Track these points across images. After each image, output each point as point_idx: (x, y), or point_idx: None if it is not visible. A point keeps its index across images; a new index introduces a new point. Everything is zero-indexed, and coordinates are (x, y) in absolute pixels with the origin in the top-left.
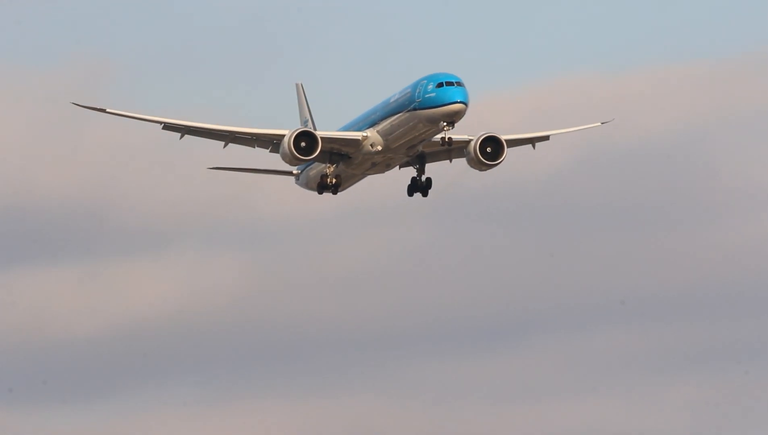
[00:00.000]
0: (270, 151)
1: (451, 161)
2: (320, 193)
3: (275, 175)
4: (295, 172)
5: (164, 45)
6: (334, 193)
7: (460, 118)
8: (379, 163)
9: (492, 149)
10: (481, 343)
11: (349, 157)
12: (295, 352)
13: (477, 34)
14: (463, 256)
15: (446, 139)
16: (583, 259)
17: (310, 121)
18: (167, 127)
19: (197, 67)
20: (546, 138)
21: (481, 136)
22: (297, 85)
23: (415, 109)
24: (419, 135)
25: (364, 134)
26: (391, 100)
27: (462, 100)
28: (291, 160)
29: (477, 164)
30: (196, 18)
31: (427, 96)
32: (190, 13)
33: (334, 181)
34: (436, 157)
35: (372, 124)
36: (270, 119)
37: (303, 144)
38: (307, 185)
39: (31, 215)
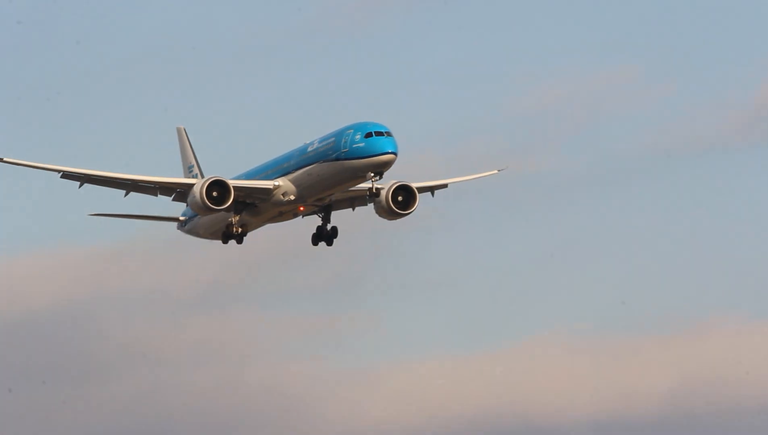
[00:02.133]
0: (173, 200)
1: (353, 209)
2: (225, 242)
3: (157, 221)
4: (181, 218)
5: (36, 86)
6: (240, 242)
7: (389, 168)
8: (287, 212)
9: (403, 198)
10: None
11: (255, 206)
12: None
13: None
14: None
15: (373, 190)
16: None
17: (195, 166)
18: (66, 175)
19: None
20: (444, 186)
21: (393, 185)
22: (179, 129)
23: (340, 159)
24: (341, 185)
25: (276, 183)
26: (309, 150)
27: (393, 150)
28: (202, 210)
29: (387, 214)
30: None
31: (354, 146)
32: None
33: (239, 230)
34: (339, 205)
35: (284, 173)
36: (152, 165)
37: (215, 193)
38: (197, 233)
39: None
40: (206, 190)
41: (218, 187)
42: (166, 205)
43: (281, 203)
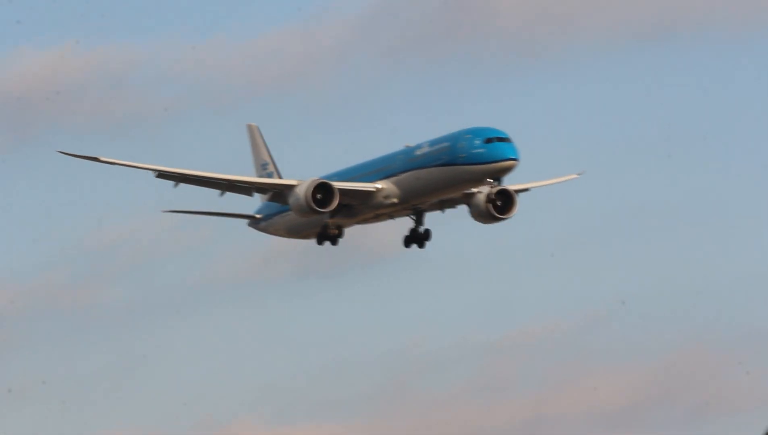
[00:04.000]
0: (269, 200)
1: (443, 212)
2: (320, 243)
3: (231, 218)
4: (257, 216)
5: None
6: (334, 243)
7: (509, 174)
8: (382, 214)
9: (502, 203)
10: None
11: (351, 208)
12: None
13: None
14: None
15: (492, 196)
16: None
17: (270, 164)
18: (162, 175)
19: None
20: (526, 190)
21: (494, 189)
22: (250, 126)
23: (456, 163)
24: (453, 189)
25: (378, 186)
26: (417, 153)
27: (515, 157)
28: (306, 212)
29: (486, 218)
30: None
31: (474, 151)
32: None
33: (336, 231)
34: (431, 207)
35: (386, 176)
36: (223, 164)
37: (319, 196)
38: (275, 231)
39: None
40: (312, 192)
41: (322, 190)
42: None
43: (380, 206)
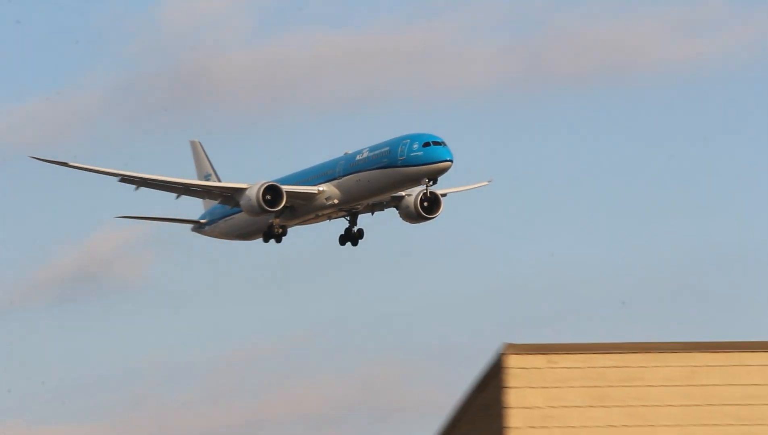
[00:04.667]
0: (219, 203)
1: (372, 214)
2: (266, 240)
3: (178, 223)
4: (201, 220)
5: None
6: (278, 241)
7: (443, 175)
8: (322, 215)
9: (428, 204)
10: None
11: (294, 209)
12: None
13: None
14: None
15: (427, 195)
16: None
17: (213, 176)
18: (124, 179)
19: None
20: (444, 195)
21: (420, 192)
22: (193, 142)
23: (396, 165)
24: (392, 190)
25: (321, 188)
26: (358, 158)
27: (450, 158)
28: (257, 212)
29: (414, 218)
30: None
31: (412, 154)
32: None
33: (280, 230)
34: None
35: (329, 180)
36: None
37: (268, 197)
38: (222, 234)
39: None
40: (262, 193)
41: (271, 192)
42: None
43: (322, 207)
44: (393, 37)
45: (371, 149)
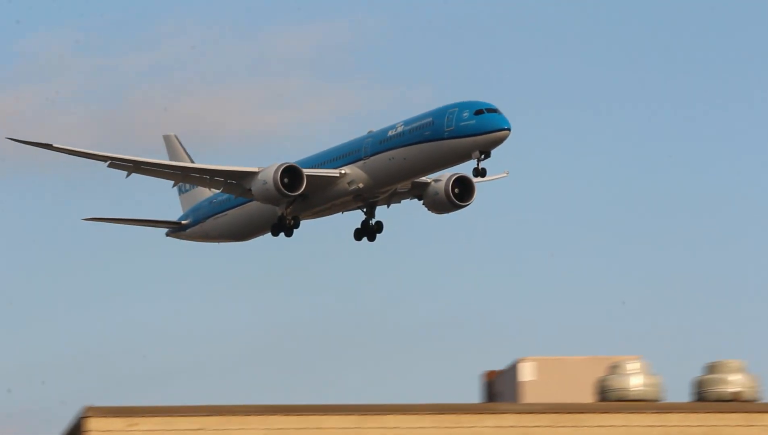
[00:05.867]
0: (222, 191)
1: (388, 206)
2: (275, 234)
3: (154, 226)
4: (183, 222)
5: None
6: (289, 235)
7: (498, 147)
8: (339, 205)
9: (460, 191)
10: None
11: (307, 197)
12: None
13: None
14: None
15: (479, 170)
16: None
17: None
18: (114, 164)
19: None
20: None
21: (452, 177)
22: (168, 137)
23: (442, 138)
24: (434, 168)
25: (343, 171)
26: (390, 134)
27: (509, 127)
28: (275, 197)
29: (444, 207)
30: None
31: (462, 124)
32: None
33: (292, 221)
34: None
35: (352, 161)
36: None
37: (286, 180)
38: (208, 236)
39: None
40: (281, 175)
41: (289, 174)
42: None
43: (342, 193)
44: None
45: (407, 122)
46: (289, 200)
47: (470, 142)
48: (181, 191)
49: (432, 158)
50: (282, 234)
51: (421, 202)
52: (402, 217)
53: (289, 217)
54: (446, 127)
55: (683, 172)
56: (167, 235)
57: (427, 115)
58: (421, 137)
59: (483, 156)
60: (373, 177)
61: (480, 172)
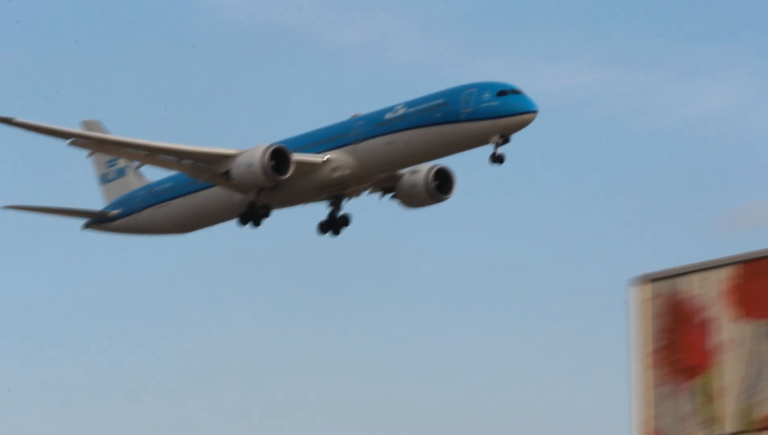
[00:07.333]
0: (189, 176)
1: (358, 196)
2: (243, 223)
3: (79, 216)
4: (111, 213)
5: None
6: (258, 224)
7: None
8: (310, 195)
9: (439, 183)
10: None
11: (278, 186)
12: None
13: None
14: None
15: (497, 156)
16: None
17: (129, 167)
18: (76, 142)
19: None
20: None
21: (433, 168)
22: (88, 123)
23: (458, 120)
24: (446, 152)
25: (327, 156)
26: (388, 116)
27: (537, 109)
28: (261, 180)
29: (420, 201)
30: None
31: (484, 105)
32: None
33: (263, 211)
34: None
35: (339, 146)
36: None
37: (273, 163)
38: (144, 227)
39: None
40: (269, 157)
41: (277, 157)
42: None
43: (323, 181)
44: None
45: (410, 104)
46: (264, 187)
47: (490, 126)
48: (104, 181)
49: (444, 142)
50: (250, 223)
51: (390, 195)
52: (371, 210)
53: (260, 206)
54: (463, 108)
55: None
56: (85, 226)
57: (437, 95)
58: (430, 119)
59: (502, 141)
60: (364, 163)
61: (498, 159)
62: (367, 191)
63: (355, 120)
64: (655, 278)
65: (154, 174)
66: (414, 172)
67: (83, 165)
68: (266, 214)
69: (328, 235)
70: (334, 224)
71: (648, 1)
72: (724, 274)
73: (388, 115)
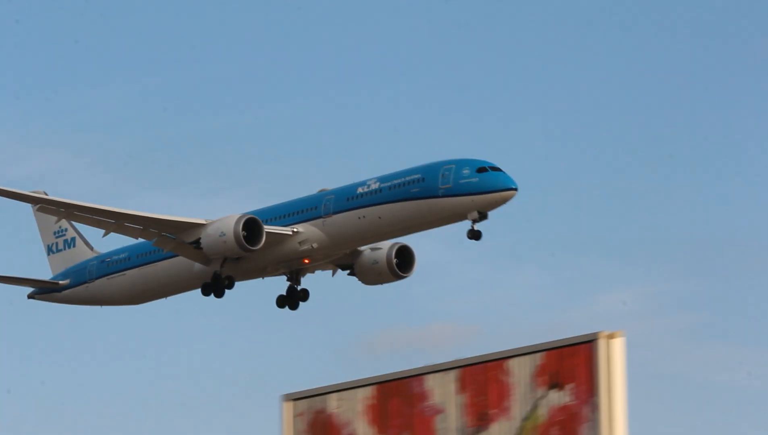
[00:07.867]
0: (154, 243)
1: (313, 272)
2: (206, 294)
3: (26, 285)
4: (61, 282)
5: None
6: (220, 295)
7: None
8: (273, 268)
9: (399, 261)
10: None
11: (240, 258)
12: None
13: None
14: None
15: (474, 232)
16: None
17: (71, 228)
18: (43, 208)
19: None
20: None
21: (395, 245)
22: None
23: (437, 196)
24: (421, 227)
25: (296, 229)
26: (360, 191)
27: (516, 186)
28: (231, 251)
29: (381, 277)
30: None
31: (463, 182)
32: None
33: (227, 282)
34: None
35: (308, 219)
36: None
37: (244, 233)
38: (95, 298)
39: None
40: (242, 226)
41: (248, 228)
42: None
43: (290, 254)
44: None
45: (384, 179)
46: (232, 257)
47: (469, 202)
48: (51, 252)
49: (419, 217)
50: (212, 294)
51: (347, 272)
52: (328, 286)
53: (224, 276)
54: (442, 184)
55: None
56: (31, 296)
57: (414, 171)
58: (406, 194)
59: (480, 217)
60: (333, 237)
61: (475, 235)
62: (322, 268)
63: (323, 194)
64: (297, 397)
65: (106, 245)
66: (375, 248)
67: (29, 232)
68: (230, 286)
69: (285, 308)
70: (292, 298)
71: None
72: (361, 393)
73: (360, 190)
